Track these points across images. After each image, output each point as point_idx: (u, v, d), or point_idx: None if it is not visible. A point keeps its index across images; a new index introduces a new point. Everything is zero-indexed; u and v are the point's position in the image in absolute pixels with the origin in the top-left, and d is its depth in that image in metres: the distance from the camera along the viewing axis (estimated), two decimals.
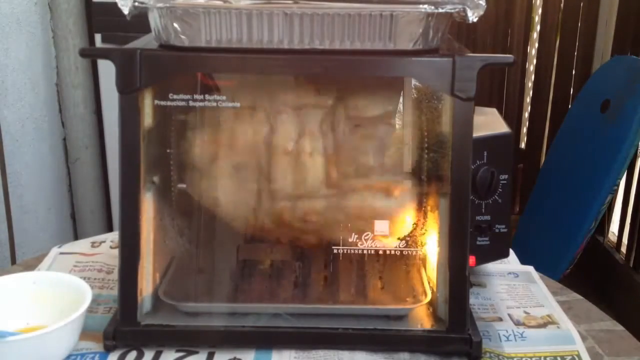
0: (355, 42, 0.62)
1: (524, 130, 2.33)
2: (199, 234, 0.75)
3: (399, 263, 0.73)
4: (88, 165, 1.84)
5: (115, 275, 0.82)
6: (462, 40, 2.13)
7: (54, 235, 1.83)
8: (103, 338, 0.66)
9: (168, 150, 0.71)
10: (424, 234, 0.70)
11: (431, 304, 0.70)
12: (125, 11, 0.63)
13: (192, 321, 0.68)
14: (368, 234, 0.69)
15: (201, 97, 0.66)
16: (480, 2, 0.61)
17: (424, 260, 0.72)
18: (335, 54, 0.62)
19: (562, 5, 2.14)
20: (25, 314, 0.68)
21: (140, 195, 0.65)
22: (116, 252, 0.68)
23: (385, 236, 0.69)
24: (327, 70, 0.63)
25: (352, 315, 0.69)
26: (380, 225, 0.69)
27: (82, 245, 0.92)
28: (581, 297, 0.81)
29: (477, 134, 0.65)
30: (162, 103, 0.66)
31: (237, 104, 0.67)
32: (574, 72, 2.14)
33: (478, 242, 0.75)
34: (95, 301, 0.75)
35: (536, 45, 2.24)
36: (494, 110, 0.82)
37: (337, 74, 0.67)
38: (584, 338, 0.71)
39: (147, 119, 0.66)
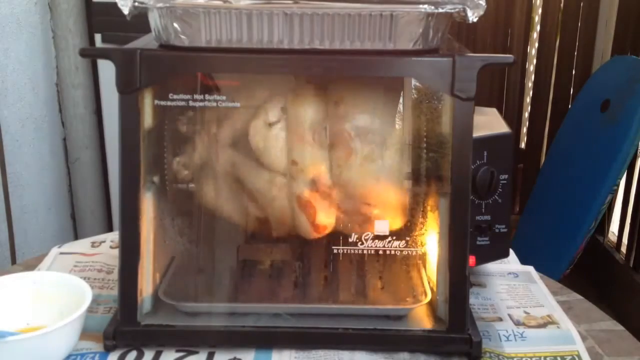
0: (355, 42, 0.62)
1: (524, 130, 2.33)
2: (199, 234, 0.75)
3: (399, 263, 0.73)
4: (88, 165, 1.84)
5: (115, 275, 0.82)
6: (462, 40, 2.13)
7: (54, 235, 1.83)
8: (103, 338, 0.66)
9: (168, 150, 0.71)
10: (424, 234, 0.70)
11: (431, 304, 0.70)
12: (125, 11, 0.63)
13: (192, 321, 0.68)
14: (368, 234, 0.69)
15: (201, 97, 0.66)
16: (480, 2, 0.61)
17: (424, 260, 0.72)
18: (335, 54, 0.62)
19: (562, 5, 2.14)
20: (25, 314, 0.68)
21: (140, 195, 0.65)
22: (116, 252, 0.68)
23: (385, 236, 0.69)
24: (327, 70, 0.63)
25: (352, 315, 0.69)
26: (380, 225, 0.69)
27: (82, 245, 0.92)
28: (581, 297, 0.81)
29: (477, 134, 0.65)
30: (162, 103, 0.66)
31: (237, 104, 0.67)
32: (574, 72, 2.14)
33: (478, 242, 0.75)
34: (95, 301, 0.75)
35: (536, 45, 2.24)
36: (494, 110, 0.82)
37: (337, 74, 0.67)
38: (584, 338, 0.71)
39: (147, 119, 0.66)
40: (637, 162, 1.89)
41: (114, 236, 0.94)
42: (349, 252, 0.70)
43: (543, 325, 0.73)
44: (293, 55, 0.63)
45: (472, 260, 0.69)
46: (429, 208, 0.70)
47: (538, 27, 2.22)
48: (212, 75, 0.67)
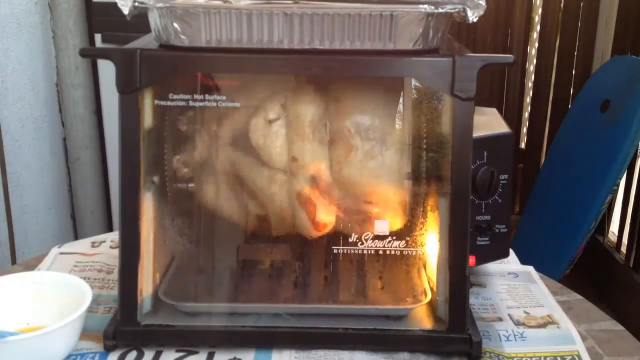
0: (355, 42, 0.62)
1: (524, 130, 2.33)
2: (199, 233, 0.75)
3: (399, 263, 0.73)
4: (88, 165, 1.84)
5: (115, 275, 0.82)
6: (462, 40, 2.13)
7: (54, 235, 1.83)
8: (103, 338, 0.66)
9: (168, 150, 0.71)
10: (424, 234, 0.70)
11: (431, 304, 0.70)
12: (125, 11, 0.63)
13: (192, 321, 0.68)
14: (368, 234, 0.69)
15: (201, 97, 0.66)
16: (480, 2, 0.61)
17: (424, 260, 0.72)
18: (335, 54, 0.62)
19: (562, 5, 2.14)
20: (25, 314, 0.68)
21: (140, 195, 0.65)
22: (116, 252, 0.68)
23: (385, 236, 0.69)
24: (327, 70, 0.63)
25: (352, 315, 0.69)
26: (380, 225, 0.69)
27: (82, 245, 0.92)
28: (581, 297, 0.81)
29: (477, 134, 0.65)
30: (162, 103, 0.66)
31: (237, 104, 0.67)
32: (574, 72, 2.14)
33: (478, 242, 0.75)
34: (95, 301, 0.75)
35: (536, 45, 2.24)
36: (494, 110, 0.82)
37: (337, 74, 0.67)
38: (584, 338, 0.71)
39: (147, 119, 0.66)
40: (637, 162, 1.89)
41: (114, 236, 0.94)
42: (349, 252, 0.70)
43: (543, 325, 0.73)
44: (293, 55, 0.63)
45: (472, 260, 0.69)
46: (429, 208, 0.70)
47: (538, 27, 2.22)
48: (212, 75, 0.67)
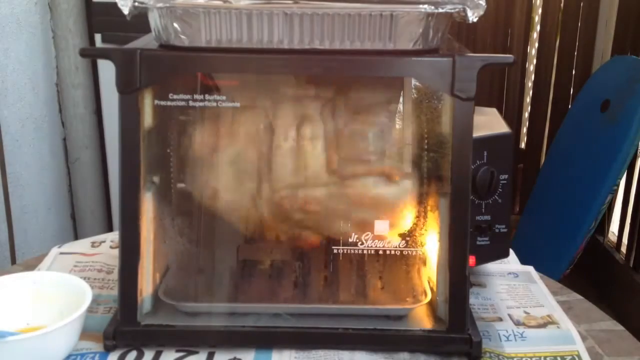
0: (355, 42, 0.62)
1: (524, 130, 2.33)
2: (199, 233, 0.75)
3: (399, 263, 0.73)
4: (88, 165, 1.84)
5: (115, 275, 0.82)
6: (462, 40, 2.13)
7: (54, 235, 1.83)
8: (103, 338, 0.66)
9: (168, 150, 0.71)
10: (424, 234, 0.70)
11: (431, 304, 0.70)
12: (125, 11, 0.63)
13: (192, 321, 0.68)
14: (368, 234, 0.69)
15: (201, 97, 0.66)
16: (480, 2, 0.61)
17: (424, 260, 0.72)
18: (335, 54, 0.62)
19: (562, 5, 2.14)
20: (25, 314, 0.68)
21: (140, 195, 0.65)
22: (116, 252, 0.68)
23: (385, 236, 0.69)
24: (327, 70, 0.63)
25: (352, 315, 0.69)
26: (380, 225, 0.69)
27: (82, 245, 0.92)
28: (581, 297, 0.81)
29: (477, 134, 0.65)
30: (162, 103, 0.66)
31: (237, 104, 0.67)
32: (574, 72, 2.14)
33: (478, 242, 0.75)
34: (95, 301, 0.75)
35: (536, 45, 2.24)
36: (494, 110, 0.82)
37: (337, 74, 0.67)
38: (584, 338, 0.71)
39: (147, 119, 0.66)
40: (637, 162, 1.89)
41: (114, 236, 0.94)
42: (349, 252, 0.70)
43: (543, 325, 0.73)
44: (293, 55, 0.63)
45: (472, 260, 0.69)
46: (429, 208, 0.70)
47: (538, 27, 2.22)
48: (212, 75, 0.67)
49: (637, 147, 1.65)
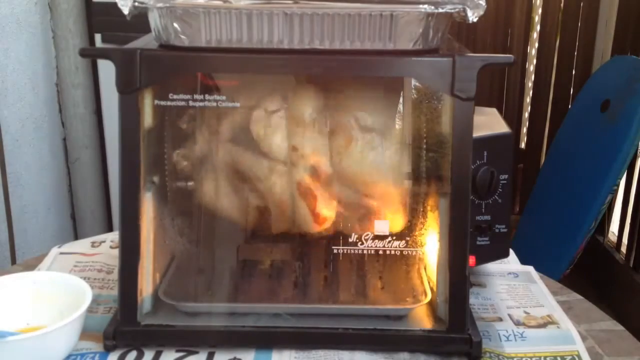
0: (355, 42, 0.62)
1: (524, 130, 2.33)
2: (199, 233, 0.75)
3: (399, 263, 0.73)
4: (88, 165, 1.84)
5: (115, 275, 0.82)
6: (462, 40, 2.13)
7: (54, 235, 1.83)
8: (103, 338, 0.66)
9: (168, 150, 0.71)
10: (424, 234, 0.70)
11: (431, 304, 0.70)
12: (125, 11, 0.63)
13: (192, 321, 0.68)
14: (368, 234, 0.69)
15: (201, 97, 0.66)
16: (480, 2, 0.61)
17: (424, 260, 0.72)
18: (335, 54, 0.62)
19: (562, 5, 2.14)
20: (25, 314, 0.68)
21: (140, 195, 0.65)
22: (116, 252, 0.68)
23: (385, 236, 0.69)
24: (327, 70, 0.63)
25: (352, 315, 0.69)
26: (380, 225, 0.69)
27: (82, 245, 0.92)
28: (581, 297, 0.81)
29: (477, 134, 0.65)
30: (162, 103, 0.66)
31: (237, 104, 0.67)
32: (574, 72, 2.14)
33: (478, 242, 0.75)
34: (95, 301, 0.75)
35: (536, 45, 2.24)
36: (494, 110, 0.82)
37: (337, 74, 0.67)
38: (584, 338, 0.71)
39: (147, 119, 0.66)
40: (637, 162, 1.89)
41: (114, 236, 0.94)
42: (349, 252, 0.70)
43: (543, 325, 0.73)
44: (293, 55, 0.63)
45: (472, 260, 0.69)
46: (429, 208, 0.70)
47: (538, 27, 2.22)
48: (212, 75, 0.67)
49: (637, 147, 1.65)
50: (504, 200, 0.74)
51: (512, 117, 2.27)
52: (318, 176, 0.69)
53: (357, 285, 0.74)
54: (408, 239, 0.69)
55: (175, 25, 0.62)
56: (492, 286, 0.82)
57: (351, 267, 0.75)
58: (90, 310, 0.67)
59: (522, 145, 2.32)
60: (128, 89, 0.63)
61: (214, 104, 0.66)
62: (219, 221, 0.73)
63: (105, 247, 0.91)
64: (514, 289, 0.81)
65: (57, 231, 1.86)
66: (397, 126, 0.70)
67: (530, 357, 0.67)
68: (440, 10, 0.61)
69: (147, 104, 0.65)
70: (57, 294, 0.69)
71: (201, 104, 0.66)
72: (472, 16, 0.61)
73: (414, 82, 0.68)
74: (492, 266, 0.86)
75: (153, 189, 0.69)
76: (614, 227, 2.06)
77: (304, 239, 0.74)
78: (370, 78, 0.69)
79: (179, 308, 0.69)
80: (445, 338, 0.66)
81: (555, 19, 2.15)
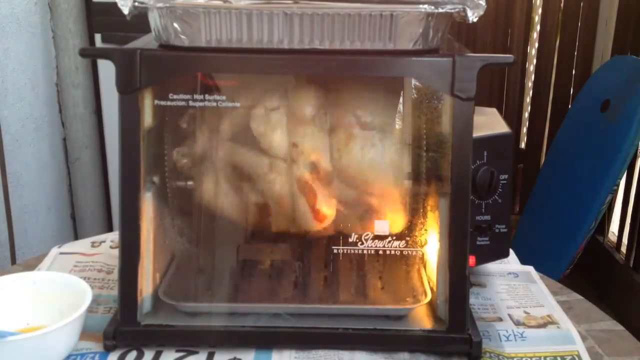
0: (355, 42, 0.62)
1: (524, 130, 2.33)
2: (199, 233, 0.75)
3: (399, 263, 0.73)
4: (88, 165, 1.84)
5: (115, 275, 0.82)
6: (462, 40, 2.13)
7: (54, 235, 1.84)
8: (103, 338, 0.66)
9: (168, 150, 0.71)
10: (424, 234, 0.70)
11: (431, 304, 0.70)
12: (125, 11, 0.63)
13: (192, 321, 0.68)
14: (368, 234, 0.69)
15: (201, 97, 0.66)
16: (480, 2, 0.61)
17: (424, 260, 0.72)
18: (335, 54, 0.62)
19: (562, 5, 2.14)
20: (25, 314, 0.68)
21: (140, 195, 0.65)
22: (116, 252, 0.68)
23: (385, 236, 0.69)
24: (327, 70, 0.63)
25: (352, 315, 0.69)
26: (380, 225, 0.69)
27: (82, 245, 0.92)
28: (581, 297, 0.81)
29: (477, 134, 0.65)
30: (162, 103, 0.66)
31: (237, 104, 0.67)
32: (574, 72, 2.14)
33: (478, 242, 0.75)
34: (95, 301, 0.75)
35: (536, 45, 2.24)
36: (494, 110, 0.82)
37: (337, 74, 0.67)
38: (584, 338, 0.71)
39: (147, 118, 0.66)
40: (637, 162, 1.89)
41: (114, 236, 0.94)
42: (349, 252, 0.70)
43: (543, 325, 0.73)
44: (293, 55, 0.63)
45: (472, 260, 0.69)
46: (429, 208, 0.70)
47: (538, 27, 2.22)
48: (212, 75, 0.67)
49: (637, 147, 1.65)
50: (504, 200, 0.74)
51: (512, 117, 2.27)
52: (318, 172, 0.69)
53: (357, 285, 0.74)
54: (408, 239, 0.69)
55: (175, 25, 0.62)
56: (492, 286, 0.82)
57: (351, 267, 0.75)
58: (90, 310, 0.67)
59: (522, 145, 2.32)
60: (128, 89, 0.63)
61: (214, 104, 0.66)
62: (219, 221, 0.73)
63: (105, 247, 0.91)
64: (514, 289, 0.81)
65: (57, 231, 1.86)
66: (397, 126, 0.70)
67: (530, 357, 0.67)
68: (440, 10, 0.61)
69: (147, 104, 0.65)
70: (57, 294, 0.69)
71: (201, 104, 0.66)
72: (472, 16, 0.61)
73: (414, 81, 0.68)
74: (492, 266, 0.86)
75: (153, 189, 0.69)
76: (614, 227, 2.06)
77: (304, 239, 0.74)
78: (370, 78, 0.69)
79: (179, 308, 0.69)
80: (445, 338, 0.66)
81: (555, 19, 2.15)
